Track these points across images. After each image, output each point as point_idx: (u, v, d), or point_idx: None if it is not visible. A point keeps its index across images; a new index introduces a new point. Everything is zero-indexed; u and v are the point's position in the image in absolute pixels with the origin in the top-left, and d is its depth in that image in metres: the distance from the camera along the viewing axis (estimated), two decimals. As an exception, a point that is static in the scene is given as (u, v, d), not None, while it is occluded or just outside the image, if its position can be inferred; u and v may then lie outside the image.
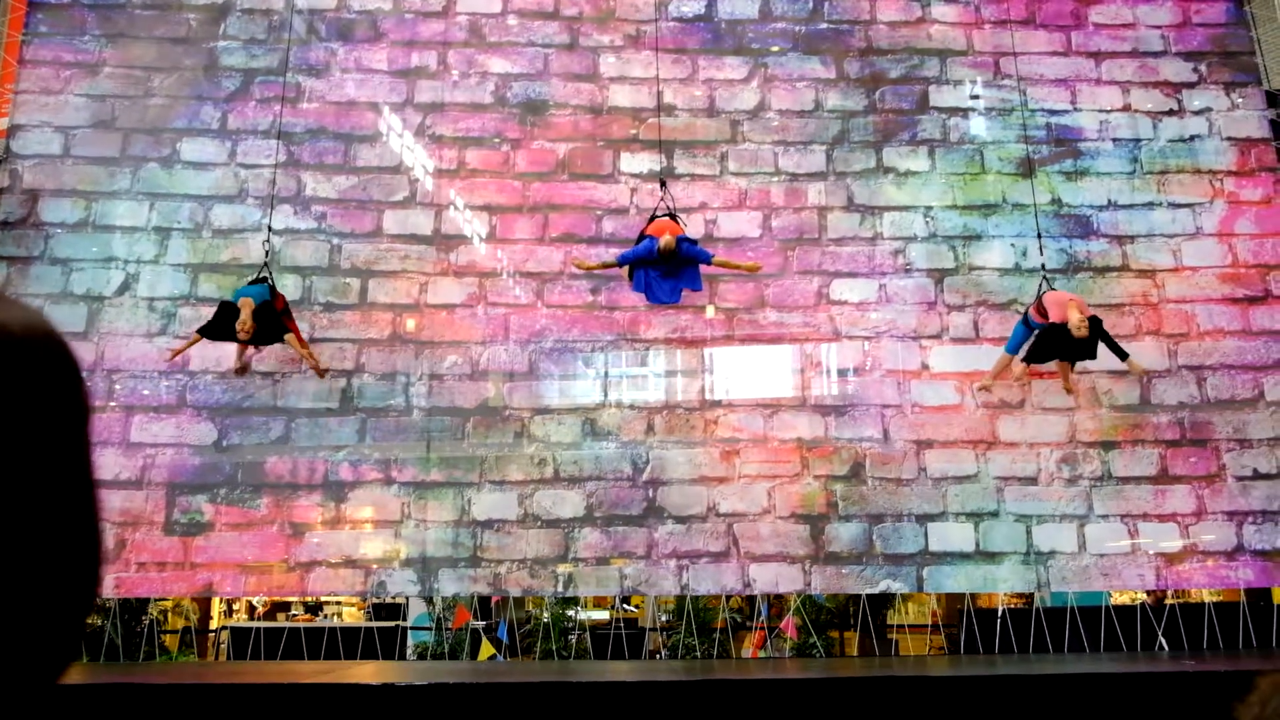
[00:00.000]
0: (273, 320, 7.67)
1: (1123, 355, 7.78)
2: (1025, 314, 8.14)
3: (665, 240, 7.32)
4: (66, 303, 8.54)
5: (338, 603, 11.12)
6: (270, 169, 8.64)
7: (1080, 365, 8.64)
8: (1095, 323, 7.62)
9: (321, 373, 8.35)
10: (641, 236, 7.84)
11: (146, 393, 8.45)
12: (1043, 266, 8.30)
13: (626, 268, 7.79)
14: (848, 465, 8.53)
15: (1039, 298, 7.95)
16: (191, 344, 7.89)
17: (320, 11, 9.48)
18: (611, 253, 8.47)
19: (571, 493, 8.44)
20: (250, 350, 8.18)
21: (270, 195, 8.57)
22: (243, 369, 8.30)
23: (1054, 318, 7.62)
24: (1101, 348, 7.75)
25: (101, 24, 9.35)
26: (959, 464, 8.53)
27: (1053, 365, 8.24)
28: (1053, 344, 7.71)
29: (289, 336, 7.82)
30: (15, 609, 0.51)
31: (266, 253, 8.10)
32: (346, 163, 9.10)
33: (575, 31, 9.56)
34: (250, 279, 8.02)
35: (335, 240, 8.89)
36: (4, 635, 0.51)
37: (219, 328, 7.62)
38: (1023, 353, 8.10)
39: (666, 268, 7.53)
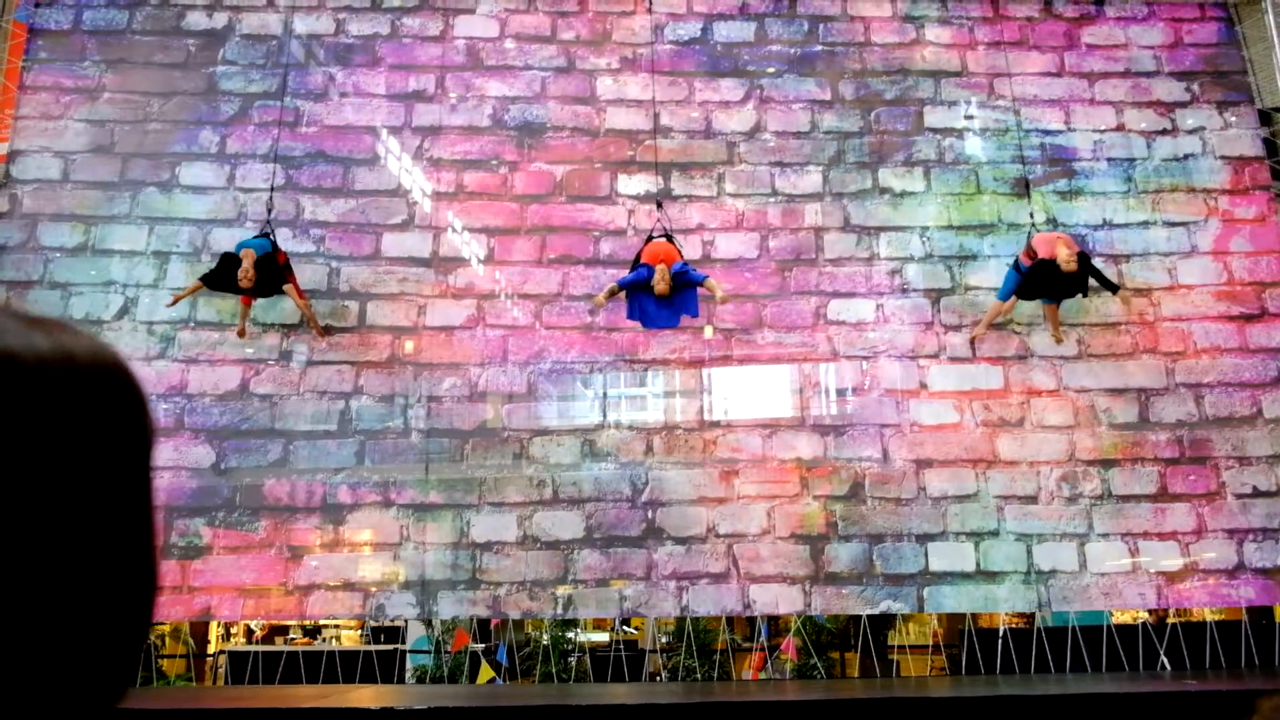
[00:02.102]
0: (274, 273, 7.84)
1: (1114, 288, 7.96)
2: (1015, 260, 8.23)
3: (660, 287, 7.50)
4: (65, 327, 8.53)
5: (336, 626, 11.07)
6: (269, 193, 8.66)
7: (1078, 383, 8.68)
8: (1083, 259, 7.76)
9: (322, 332, 8.48)
10: (637, 259, 7.91)
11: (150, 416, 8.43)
12: (1031, 215, 8.36)
13: (624, 293, 7.86)
14: (847, 485, 8.52)
15: (1028, 242, 8.07)
16: (192, 291, 8.11)
17: (318, 36, 9.55)
18: (610, 274, 8.52)
19: (570, 514, 8.42)
20: (250, 316, 8.38)
21: (272, 168, 8.61)
22: (243, 331, 8.37)
23: (1043, 255, 7.74)
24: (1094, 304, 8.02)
25: (101, 50, 9.41)
26: (959, 483, 8.52)
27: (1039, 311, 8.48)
28: (1043, 280, 7.82)
29: (288, 288, 7.98)
30: (77, 636, 0.53)
31: (269, 209, 8.20)
32: (345, 186, 9.14)
33: (572, 55, 9.62)
34: (253, 234, 8.18)
35: (334, 263, 8.92)
36: (66, 662, 0.52)
37: (221, 277, 7.81)
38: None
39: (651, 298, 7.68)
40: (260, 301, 8.46)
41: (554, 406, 8.71)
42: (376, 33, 9.58)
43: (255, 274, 7.67)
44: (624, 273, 8.32)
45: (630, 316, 7.96)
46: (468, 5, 9.73)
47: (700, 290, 7.80)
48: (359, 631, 10.74)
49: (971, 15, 9.85)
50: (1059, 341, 8.53)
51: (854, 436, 8.65)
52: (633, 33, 9.66)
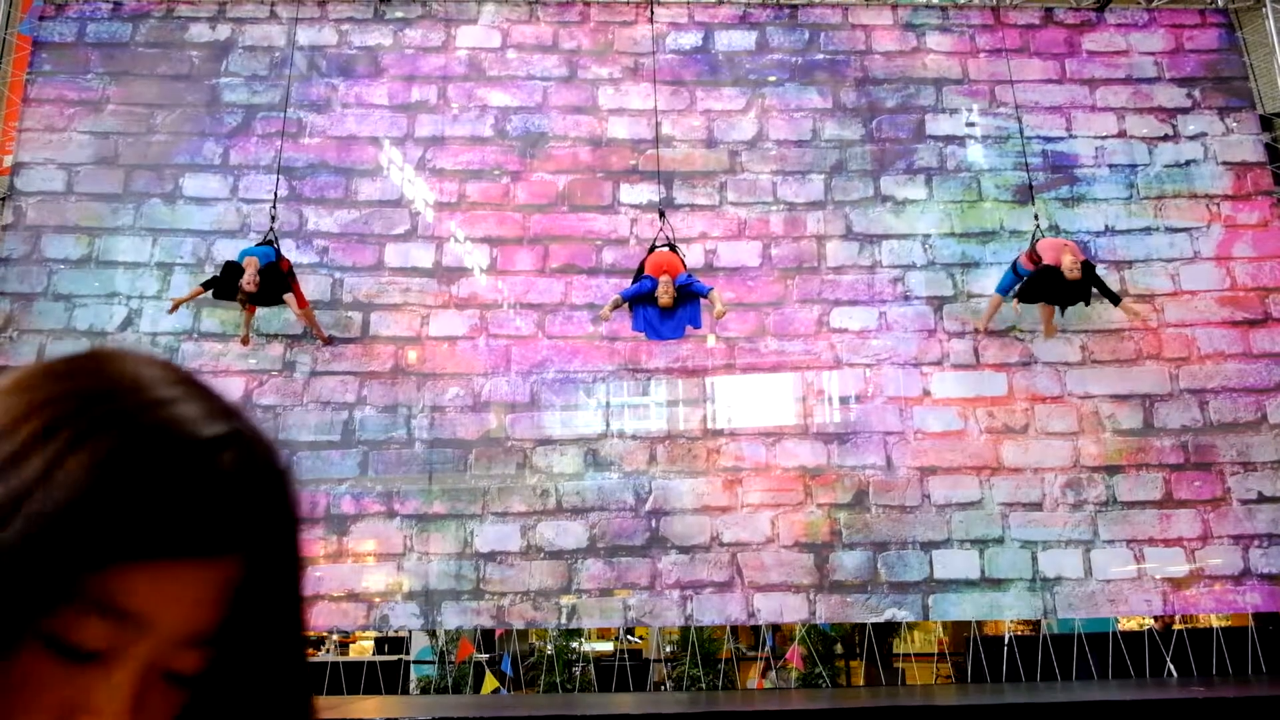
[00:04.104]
0: (277, 282, 7.78)
1: (1115, 300, 7.93)
2: (1015, 261, 8.25)
3: (664, 299, 7.50)
4: (69, 339, 8.57)
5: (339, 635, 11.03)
6: (272, 204, 8.68)
7: (1082, 389, 8.67)
8: (1087, 267, 7.76)
9: (326, 339, 8.48)
10: (640, 270, 7.93)
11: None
12: (1035, 217, 8.36)
13: (628, 305, 7.87)
14: (851, 493, 8.50)
15: (1032, 245, 8.09)
16: (193, 296, 8.02)
17: (321, 48, 9.58)
18: (613, 284, 8.54)
19: (574, 524, 8.41)
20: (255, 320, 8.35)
21: (275, 178, 8.62)
22: (247, 339, 8.36)
23: (1048, 260, 7.76)
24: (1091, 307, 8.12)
25: (105, 62, 9.44)
26: (963, 490, 8.51)
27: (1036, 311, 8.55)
28: (1045, 286, 7.84)
29: (288, 297, 7.90)
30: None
31: (273, 218, 8.18)
32: (348, 197, 9.16)
33: (574, 65, 9.65)
34: (256, 242, 8.14)
35: (337, 274, 8.93)
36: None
37: (224, 286, 7.73)
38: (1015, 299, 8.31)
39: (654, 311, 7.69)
40: (264, 311, 8.47)
41: (557, 416, 8.70)
42: (379, 44, 9.61)
43: (259, 279, 7.63)
44: (626, 282, 8.38)
45: (636, 328, 7.96)
46: (470, 16, 9.77)
47: (704, 301, 7.80)
48: (349, 640, 10.71)
49: (972, 23, 9.87)
50: (1048, 337, 8.57)
51: (857, 444, 8.64)
52: (634, 42, 9.68)
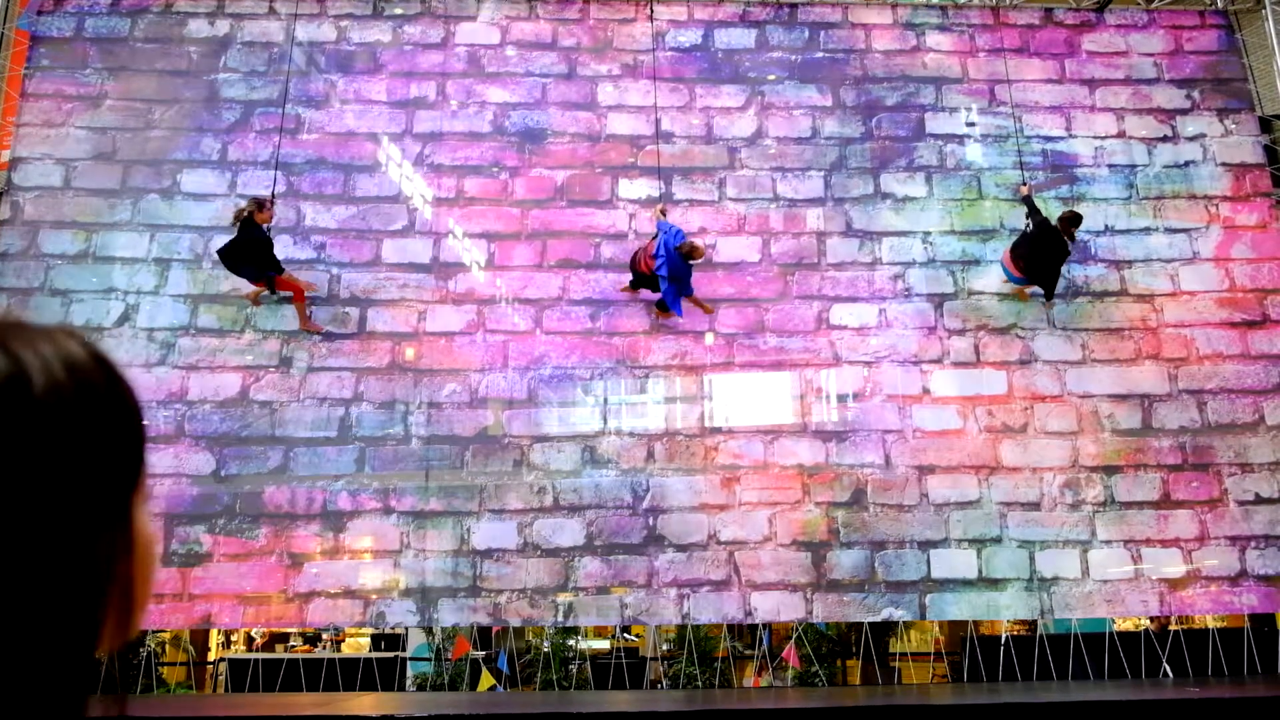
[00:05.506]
0: (254, 245, 7.79)
1: (1049, 293, 8.37)
2: (1000, 262, 8.68)
3: (701, 244, 7.99)
4: (66, 333, 8.54)
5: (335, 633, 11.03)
6: (270, 199, 8.66)
7: (1083, 389, 8.68)
8: (1065, 250, 8.13)
9: (315, 328, 8.56)
10: (634, 262, 8.16)
11: (145, 423, 8.41)
12: (1028, 214, 8.45)
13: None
14: (849, 491, 8.50)
15: (1013, 244, 8.47)
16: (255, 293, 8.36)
17: (320, 44, 9.57)
18: (611, 280, 8.58)
19: (571, 521, 8.40)
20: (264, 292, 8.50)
21: (273, 174, 8.63)
22: (255, 298, 8.51)
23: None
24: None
25: (103, 57, 9.42)
26: (961, 489, 8.50)
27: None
28: (1044, 239, 8.06)
29: (284, 279, 8.08)
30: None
31: (270, 217, 8.18)
32: (346, 193, 9.14)
33: (573, 61, 9.64)
34: None
35: (335, 269, 8.92)
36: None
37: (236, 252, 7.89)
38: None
39: (676, 263, 7.80)
40: (262, 310, 8.51)
41: (554, 413, 8.69)
42: (378, 40, 9.60)
43: (241, 229, 7.68)
44: (625, 278, 8.61)
45: (658, 253, 8.03)
46: (469, 12, 9.75)
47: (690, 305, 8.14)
48: (339, 640, 10.70)
49: (972, 22, 9.87)
50: (1019, 296, 8.89)
51: (856, 442, 8.63)
52: (633, 39, 9.67)
